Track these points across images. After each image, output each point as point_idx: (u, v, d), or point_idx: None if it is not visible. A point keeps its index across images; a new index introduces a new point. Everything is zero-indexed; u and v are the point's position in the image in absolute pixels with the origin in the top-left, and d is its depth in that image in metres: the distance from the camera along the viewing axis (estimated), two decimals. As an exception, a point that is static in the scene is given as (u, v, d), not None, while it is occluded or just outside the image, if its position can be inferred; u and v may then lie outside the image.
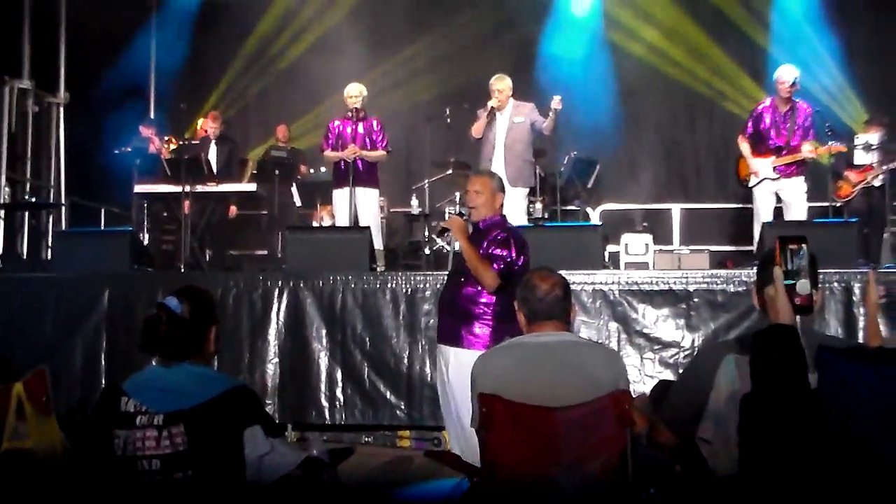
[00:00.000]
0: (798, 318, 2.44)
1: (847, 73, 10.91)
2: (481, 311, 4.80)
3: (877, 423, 2.35)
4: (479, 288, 4.79)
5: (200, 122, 10.73)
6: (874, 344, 3.42)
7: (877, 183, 8.48)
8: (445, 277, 5.51)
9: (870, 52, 10.99)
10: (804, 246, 2.46)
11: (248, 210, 10.70)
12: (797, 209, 7.80)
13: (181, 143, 9.46)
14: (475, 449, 3.34)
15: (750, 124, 7.97)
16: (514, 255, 4.78)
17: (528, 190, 8.13)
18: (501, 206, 5.09)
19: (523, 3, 11.85)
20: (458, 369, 4.66)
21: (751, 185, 7.96)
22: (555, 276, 3.53)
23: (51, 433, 3.87)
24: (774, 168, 7.77)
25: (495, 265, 4.74)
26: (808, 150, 7.71)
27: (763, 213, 7.89)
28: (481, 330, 4.78)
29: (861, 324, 5.91)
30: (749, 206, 10.68)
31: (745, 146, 7.97)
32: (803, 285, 2.43)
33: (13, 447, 3.40)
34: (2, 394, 3.67)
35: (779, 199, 7.91)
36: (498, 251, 4.78)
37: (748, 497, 2.43)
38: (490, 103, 7.88)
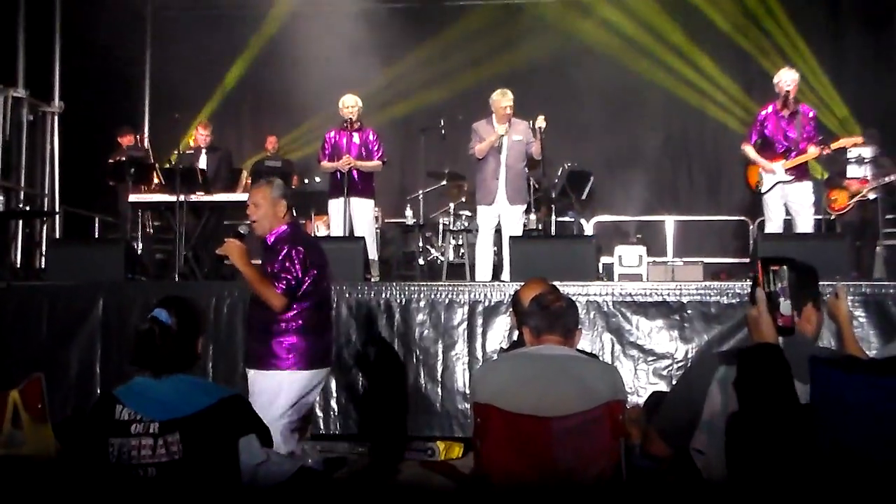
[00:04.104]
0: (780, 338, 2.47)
1: (838, 85, 11.01)
2: (280, 328, 4.53)
3: (871, 433, 2.36)
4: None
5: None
6: (851, 353, 3.44)
7: (871, 196, 8.51)
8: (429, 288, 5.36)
9: (861, 65, 11.07)
10: (785, 268, 2.49)
11: (242, 220, 10.69)
12: (805, 218, 7.67)
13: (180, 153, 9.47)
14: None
15: (755, 131, 7.87)
16: (298, 271, 4.49)
17: (525, 206, 8.13)
18: (286, 213, 4.73)
19: (518, 15, 11.92)
20: (257, 393, 4.45)
21: (763, 190, 7.77)
22: (557, 291, 3.61)
23: (46, 440, 3.88)
24: (786, 171, 7.64)
25: (279, 285, 4.46)
26: (814, 150, 7.62)
27: (774, 221, 7.79)
28: (280, 349, 4.51)
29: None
30: (742, 218, 10.82)
31: (750, 150, 7.82)
32: (786, 306, 2.46)
33: (9, 454, 3.41)
34: (-3, 401, 3.68)
35: (787, 212, 7.79)
36: (280, 269, 4.47)
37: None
38: (499, 131, 7.85)
